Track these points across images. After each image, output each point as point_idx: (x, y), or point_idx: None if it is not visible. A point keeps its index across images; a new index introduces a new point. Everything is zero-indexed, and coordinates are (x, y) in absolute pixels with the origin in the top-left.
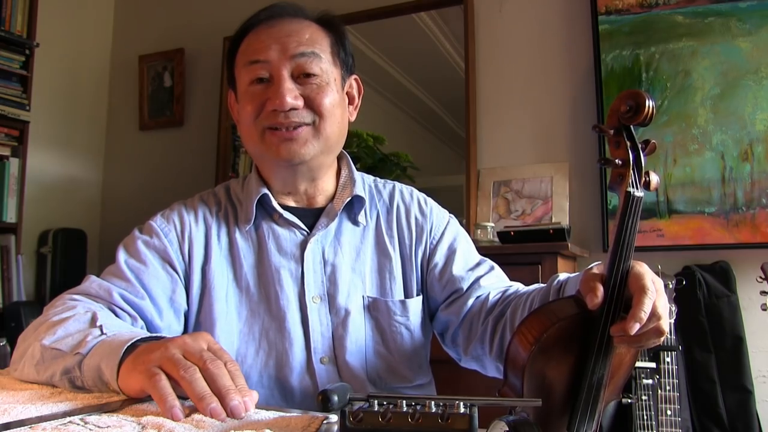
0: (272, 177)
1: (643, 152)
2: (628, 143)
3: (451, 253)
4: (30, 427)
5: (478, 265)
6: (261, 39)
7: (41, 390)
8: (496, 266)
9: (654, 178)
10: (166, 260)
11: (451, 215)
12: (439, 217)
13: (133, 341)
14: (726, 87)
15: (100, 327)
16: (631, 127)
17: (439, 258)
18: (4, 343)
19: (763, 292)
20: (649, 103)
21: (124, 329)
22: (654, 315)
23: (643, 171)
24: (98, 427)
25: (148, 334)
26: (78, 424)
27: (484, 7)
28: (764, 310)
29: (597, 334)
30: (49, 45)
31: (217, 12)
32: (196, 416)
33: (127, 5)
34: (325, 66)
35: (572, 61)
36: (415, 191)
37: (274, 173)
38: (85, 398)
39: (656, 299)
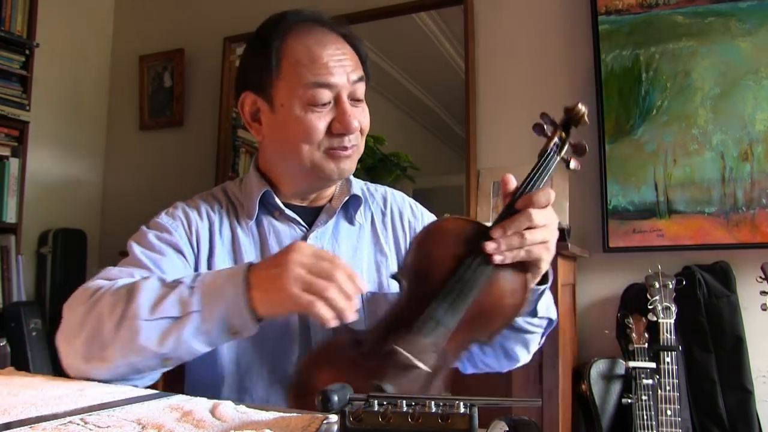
0: (290, 183)
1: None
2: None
3: None
4: (30, 427)
5: None
6: (321, 59)
7: (41, 390)
8: None
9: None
10: (179, 251)
11: None
12: (429, 221)
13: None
14: (726, 87)
15: (175, 281)
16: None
17: None
18: (4, 343)
19: (763, 292)
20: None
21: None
22: (517, 233)
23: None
24: (98, 427)
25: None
26: (78, 424)
27: (484, 7)
28: (764, 310)
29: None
30: (49, 45)
31: (217, 12)
32: (197, 416)
33: (127, 5)
34: (364, 89)
35: (572, 61)
36: (406, 196)
37: (297, 181)
38: (85, 398)
39: (534, 214)
